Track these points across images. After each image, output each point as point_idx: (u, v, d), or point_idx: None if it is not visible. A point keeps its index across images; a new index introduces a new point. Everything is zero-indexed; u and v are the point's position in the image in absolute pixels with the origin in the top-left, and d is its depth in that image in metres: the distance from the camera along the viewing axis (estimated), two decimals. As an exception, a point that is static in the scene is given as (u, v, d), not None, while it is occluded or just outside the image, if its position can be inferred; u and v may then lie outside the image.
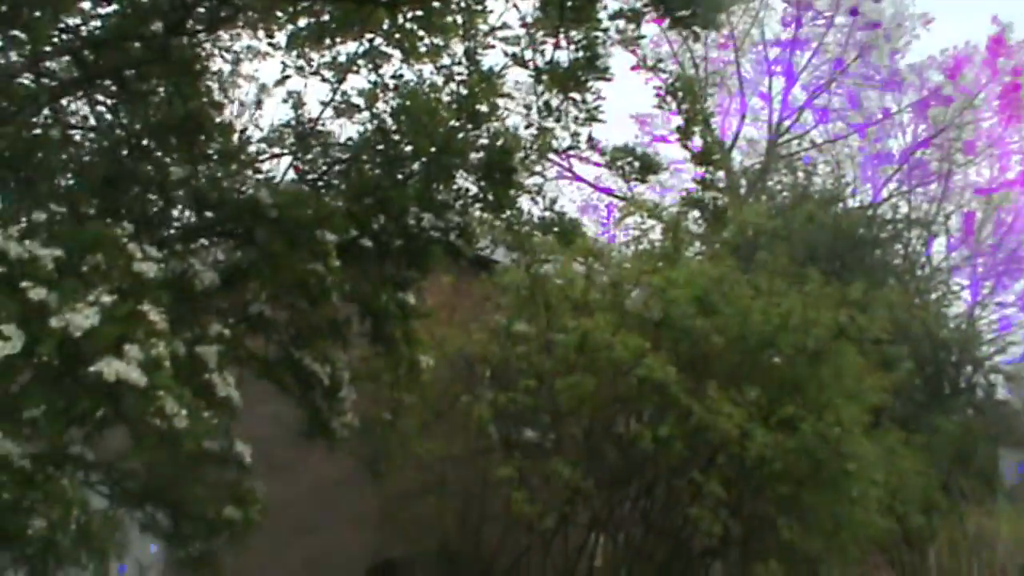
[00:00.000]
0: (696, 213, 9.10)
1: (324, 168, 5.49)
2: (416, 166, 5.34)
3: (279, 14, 5.31)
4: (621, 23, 5.45)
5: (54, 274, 3.59)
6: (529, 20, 5.51)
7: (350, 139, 5.39)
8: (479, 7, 5.36)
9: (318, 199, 4.88)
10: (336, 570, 10.11)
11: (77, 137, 5.08)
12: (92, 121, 5.29)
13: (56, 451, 4.25)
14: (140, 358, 3.41)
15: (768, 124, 23.28)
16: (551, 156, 6.01)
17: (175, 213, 5.17)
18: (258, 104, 5.47)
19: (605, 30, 5.50)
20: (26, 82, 4.80)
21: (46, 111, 4.97)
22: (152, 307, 3.59)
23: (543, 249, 7.10)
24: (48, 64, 5.06)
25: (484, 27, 5.38)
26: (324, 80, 5.51)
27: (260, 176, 5.24)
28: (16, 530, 4.04)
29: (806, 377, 9.44)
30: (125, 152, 4.99)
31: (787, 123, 23.27)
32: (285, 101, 5.62)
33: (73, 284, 3.53)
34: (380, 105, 5.40)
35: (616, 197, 15.13)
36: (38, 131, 4.55)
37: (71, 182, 4.54)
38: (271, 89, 5.34)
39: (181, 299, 4.02)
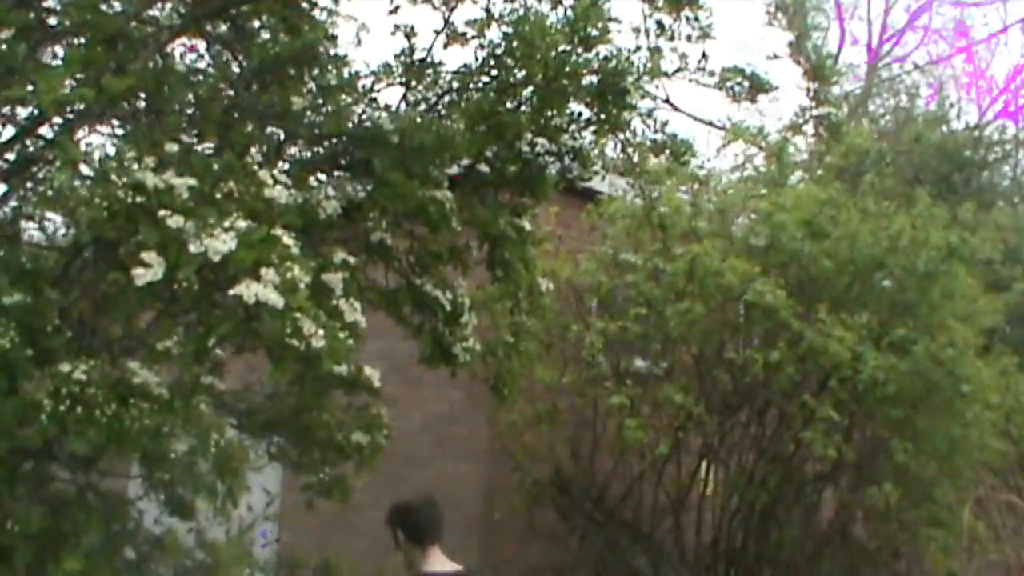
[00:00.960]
0: (798, 140, 9.03)
1: (436, 98, 5.51)
2: (528, 91, 5.34)
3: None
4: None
5: (189, 203, 3.68)
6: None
7: (463, 66, 5.40)
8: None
9: (438, 124, 4.92)
10: (448, 501, 10.24)
11: (195, 75, 5.15)
12: (208, 59, 5.36)
13: (189, 381, 4.38)
14: (276, 281, 3.50)
15: (868, 47, 22.89)
16: (657, 82, 5.96)
17: (294, 146, 5.24)
18: (359, 39, 5.47)
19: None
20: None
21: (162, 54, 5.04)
22: (284, 232, 3.67)
23: (654, 175, 7.09)
24: (154, 12, 5.12)
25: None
26: (435, 8, 5.52)
27: (376, 106, 5.27)
28: (158, 454, 4.18)
29: (917, 299, 9.35)
30: (242, 88, 5.05)
31: (888, 46, 22.85)
32: (394, 33, 5.63)
33: (208, 212, 3.62)
34: (490, 32, 5.40)
35: (714, 127, 14.97)
36: (161, 69, 4.63)
37: (195, 116, 4.62)
38: (383, 18, 5.35)
39: (306, 228, 4.09)
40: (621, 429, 8.97)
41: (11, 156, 5.16)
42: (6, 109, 4.85)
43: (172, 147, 3.88)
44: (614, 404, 8.83)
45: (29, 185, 5.28)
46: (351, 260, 4.51)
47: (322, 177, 5.31)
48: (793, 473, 9.64)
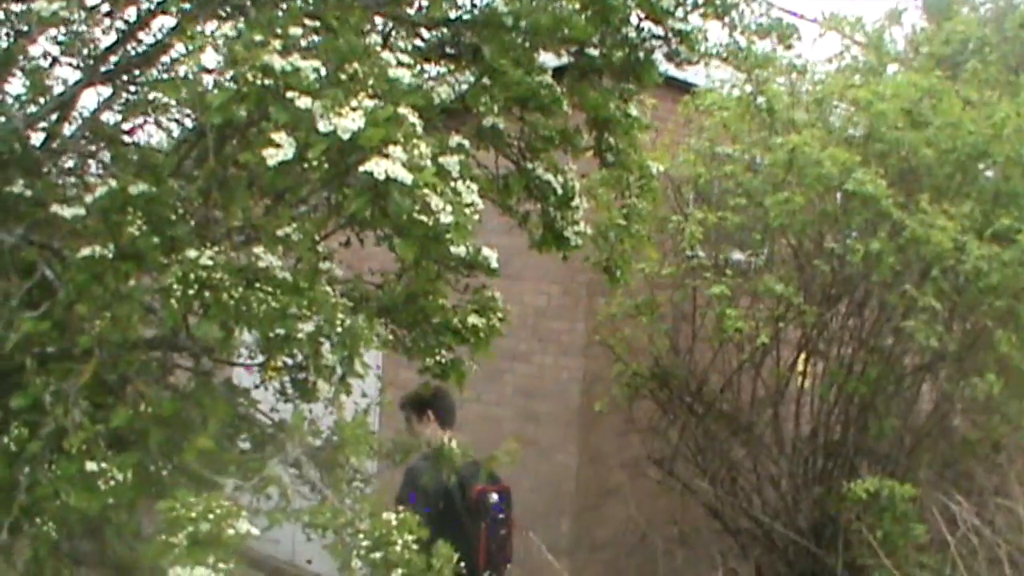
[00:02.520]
0: (896, 30, 8.86)
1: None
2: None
3: None
4: None
5: (316, 84, 3.75)
6: None
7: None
8: None
9: (553, 4, 4.92)
10: (546, 394, 10.41)
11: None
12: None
13: (309, 266, 4.48)
14: (404, 159, 3.56)
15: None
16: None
17: (403, 33, 5.27)
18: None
19: None
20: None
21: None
22: (409, 111, 3.73)
23: (757, 60, 7.01)
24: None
25: None
26: None
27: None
28: (286, 334, 4.30)
29: (1022, 189, 9.22)
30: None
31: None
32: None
33: (335, 92, 3.68)
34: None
35: (806, 20, 14.72)
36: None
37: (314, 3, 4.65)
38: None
39: (421, 113, 4.13)
40: (720, 320, 9.00)
41: (114, 59, 5.26)
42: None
43: (296, 31, 3.93)
44: (714, 294, 8.85)
45: (133, 90, 5.39)
46: (466, 144, 4.55)
47: (431, 66, 5.35)
48: (892, 365, 9.62)
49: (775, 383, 9.83)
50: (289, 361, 4.73)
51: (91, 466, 4.01)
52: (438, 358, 5.29)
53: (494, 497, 7.22)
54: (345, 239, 5.59)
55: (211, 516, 3.61)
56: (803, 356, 9.79)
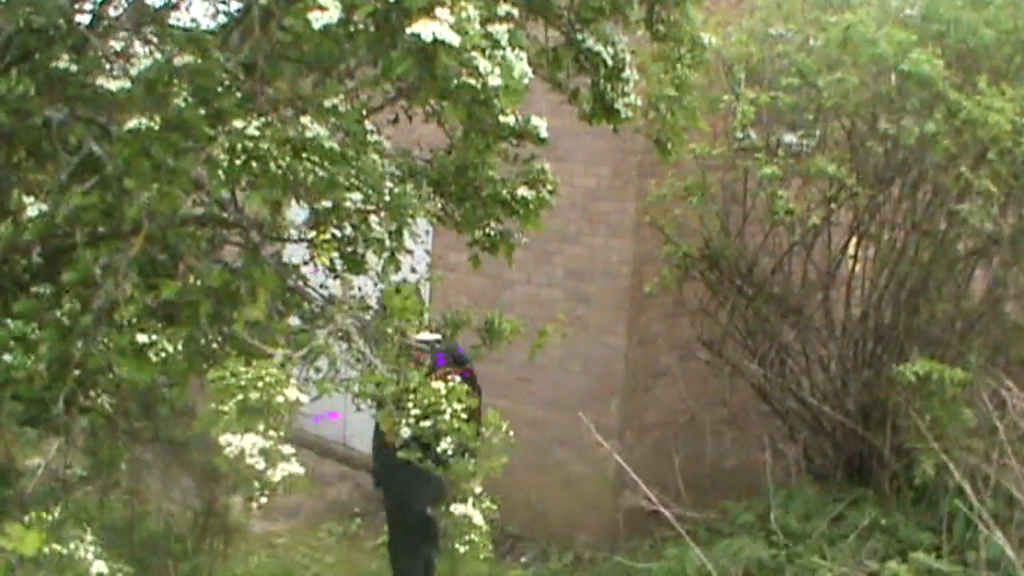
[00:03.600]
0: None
1: None
2: None
3: None
4: None
5: (362, -53, 3.69)
6: None
7: None
8: None
9: None
10: (596, 276, 10.41)
11: None
12: None
13: (357, 137, 4.46)
14: (451, 21, 3.52)
15: None
16: None
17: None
18: None
19: None
20: None
21: None
22: (455, -25, 3.67)
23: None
24: None
25: None
26: None
27: None
28: (334, 205, 4.30)
29: (1084, 68, 9.03)
30: None
31: None
32: None
33: (381, -45, 3.63)
34: None
35: None
36: None
37: None
38: None
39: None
40: (771, 202, 8.93)
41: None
42: None
43: None
44: (766, 175, 8.75)
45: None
46: (514, 12, 4.49)
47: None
48: (945, 249, 9.52)
49: (826, 266, 9.77)
50: (338, 234, 4.75)
51: (142, 338, 4.05)
52: (487, 231, 5.29)
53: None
54: (393, 116, 5.56)
55: (260, 384, 3.65)
56: (855, 239, 9.71)
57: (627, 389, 10.39)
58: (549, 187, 5.23)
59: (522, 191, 5.13)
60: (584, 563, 10.57)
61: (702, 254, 9.85)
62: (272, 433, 3.66)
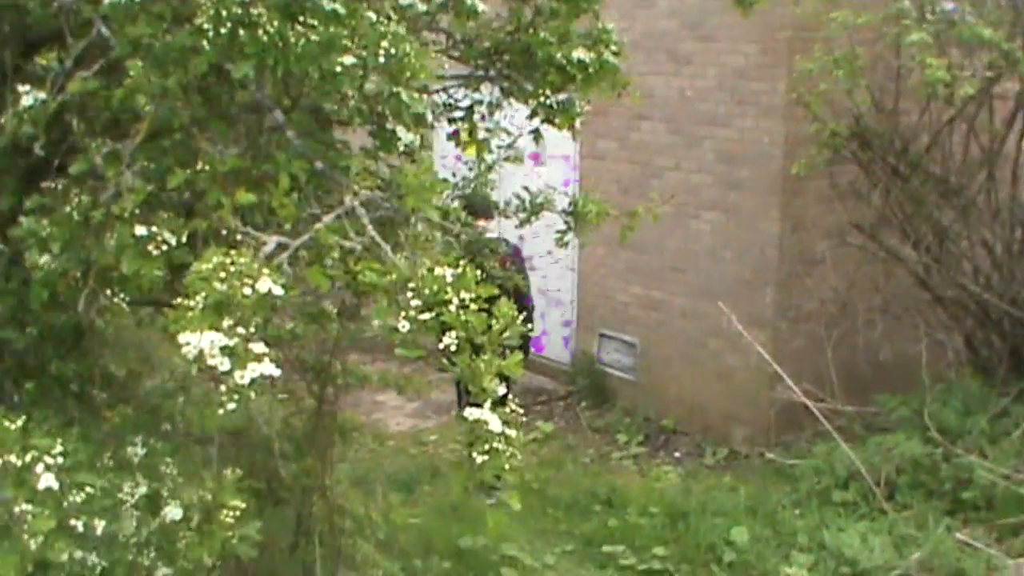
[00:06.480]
0: None
1: None
2: None
3: None
4: None
5: None
6: None
7: None
8: None
9: None
10: (747, 160, 9.92)
11: None
12: None
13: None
14: None
15: None
16: None
17: None
18: None
19: None
20: None
21: None
22: None
23: None
24: None
25: None
26: None
27: None
28: (327, 69, 3.99)
29: None
30: None
31: None
32: None
33: None
34: None
35: None
36: None
37: None
38: None
39: None
40: (923, 72, 8.26)
41: None
42: None
43: None
44: (914, 41, 8.07)
45: None
46: None
47: None
48: None
49: (989, 142, 9.04)
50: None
51: (140, 230, 3.82)
52: (543, 99, 4.91)
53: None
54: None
55: (223, 275, 3.30)
56: (1020, 113, 8.94)
57: (781, 277, 9.89)
58: (613, 48, 4.80)
59: (578, 53, 4.71)
60: (740, 459, 10.19)
61: (852, 132, 9.23)
62: (241, 331, 3.25)
